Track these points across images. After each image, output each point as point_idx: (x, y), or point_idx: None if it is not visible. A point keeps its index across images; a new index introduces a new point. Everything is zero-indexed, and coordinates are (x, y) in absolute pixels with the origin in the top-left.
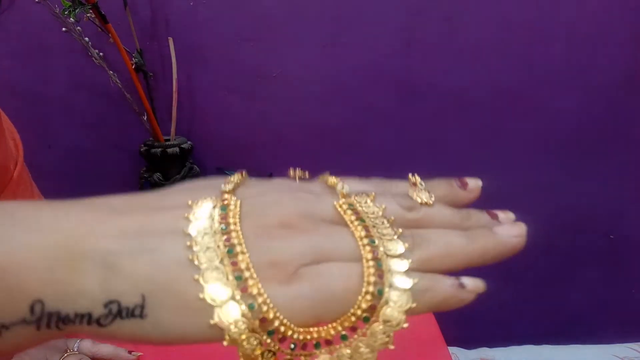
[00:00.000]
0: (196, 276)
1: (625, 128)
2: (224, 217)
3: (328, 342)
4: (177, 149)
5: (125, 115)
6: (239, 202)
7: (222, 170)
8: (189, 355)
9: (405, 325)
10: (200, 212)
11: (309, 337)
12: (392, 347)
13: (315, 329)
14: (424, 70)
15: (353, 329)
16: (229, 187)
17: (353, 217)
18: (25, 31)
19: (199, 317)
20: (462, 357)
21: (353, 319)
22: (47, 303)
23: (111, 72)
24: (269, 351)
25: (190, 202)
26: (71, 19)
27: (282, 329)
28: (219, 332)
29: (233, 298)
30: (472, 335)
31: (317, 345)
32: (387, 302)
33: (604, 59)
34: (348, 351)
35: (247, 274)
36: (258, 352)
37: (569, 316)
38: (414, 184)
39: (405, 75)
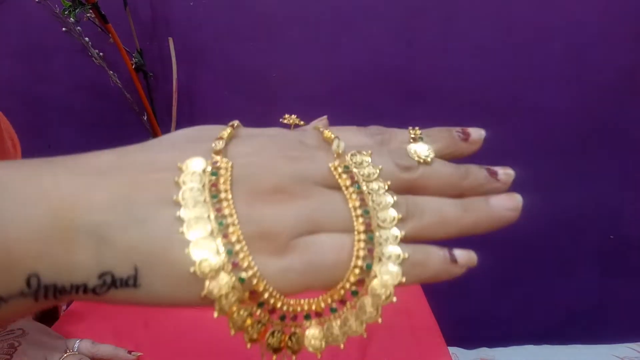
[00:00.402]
0: (186, 250)
1: (625, 128)
2: (214, 184)
3: (318, 314)
4: None
5: (125, 115)
6: (230, 165)
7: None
8: (189, 354)
9: (394, 299)
10: (190, 177)
11: (298, 309)
12: (380, 320)
13: (306, 300)
14: (424, 70)
15: (342, 301)
16: (220, 145)
17: (348, 182)
18: (25, 31)
19: (191, 287)
20: (462, 357)
21: (342, 292)
22: (42, 276)
23: (111, 72)
24: (259, 322)
25: (179, 165)
26: (71, 19)
27: (272, 300)
28: (209, 302)
29: (224, 270)
30: (472, 335)
31: (307, 317)
32: (375, 277)
33: (604, 59)
34: (337, 323)
35: (237, 246)
36: (248, 323)
37: (569, 316)
38: (414, 139)
39: (405, 75)
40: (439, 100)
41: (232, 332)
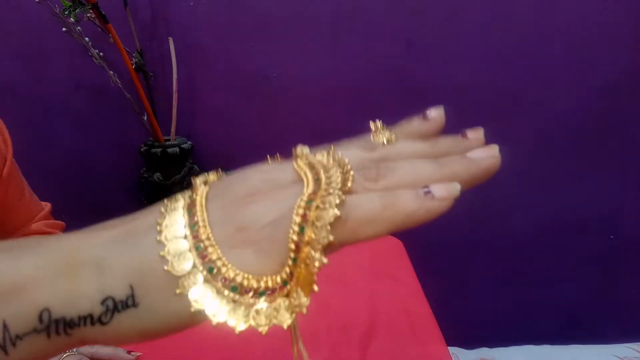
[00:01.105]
0: (161, 253)
1: (625, 128)
2: (192, 203)
3: (273, 290)
4: (177, 149)
5: (125, 115)
6: (205, 191)
7: (223, 170)
8: (189, 354)
9: (325, 260)
10: (173, 205)
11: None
12: (316, 288)
13: (264, 278)
14: (424, 70)
15: (291, 274)
16: (200, 180)
17: (307, 170)
18: (25, 31)
19: (178, 299)
20: (462, 357)
21: (290, 262)
22: (53, 310)
23: (111, 72)
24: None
25: (166, 201)
26: (71, 19)
27: (245, 282)
28: (201, 317)
29: (195, 266)
30: (472, 335)
31: (261, 294)
32: (306, 241)
33: (604, 59)
34: (286, 300)
35: (207, 242)
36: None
37: (569, 316)
38: (376, 130)
39: (405, 75)
40: (439, 100)
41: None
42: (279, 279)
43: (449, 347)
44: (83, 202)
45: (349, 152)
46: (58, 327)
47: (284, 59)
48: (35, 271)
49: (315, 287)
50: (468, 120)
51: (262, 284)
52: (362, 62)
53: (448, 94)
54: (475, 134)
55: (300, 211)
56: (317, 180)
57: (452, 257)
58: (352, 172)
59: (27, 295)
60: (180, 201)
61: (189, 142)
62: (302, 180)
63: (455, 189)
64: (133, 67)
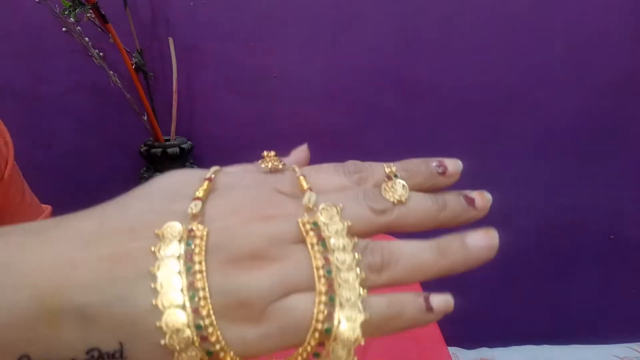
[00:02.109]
0: (158, 323)
1: (625, 128)
2: (189, 255)
3: None
4: (177, 149)
5: (125, 115)
6: (205, 232)
7: None
8: None
9: (355, 359)
10: (166, 248)
11: None
12: None
13: None
14: (424, 70)
15: None
16: (196, 208)
17: (314, 240)
18: (25, 31)
19: (167, 358)
20: (462, 357)
21: (305, 354)
22: (33, 357)
23: (111, 72)
24: None
25: (157, 232)
26: (71, 19)
27: None
28: None
29: (193, 344)
30: (472, 335)
31: None
32: (335, 339)
33: (604, 59)
34: None
35: (207, 321)
36: None
37: (569, 316)
38: (389, 177)
39: (405, 75)
40: (438, 100)
41: None
42: None
43: (449, 347)
44: (83, 202)
45: (361, 210)
46: None
47: (284, 59)
48: (8, 313)
49: None
50: (468, 120)
51: None
52: (362, 62)
53: (448, 93)
54: (484, 202)
55: (319, 326)
56: (325, 259)
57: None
58: (358, 257)
59: (3, 341)
60: (174, 242)
61: (189, 142)
62: (304, 243)
63: (450, 305)
64: (133, 67)
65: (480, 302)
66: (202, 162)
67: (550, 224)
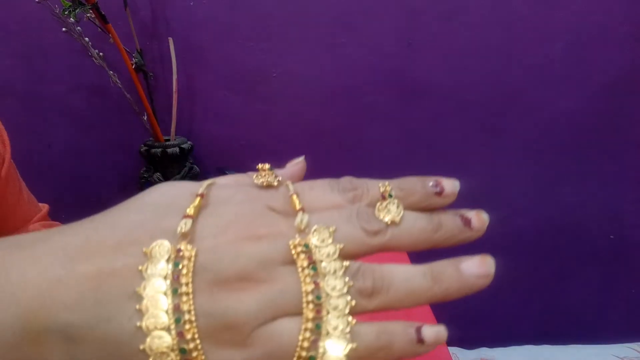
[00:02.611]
0: (142, 346)
1: (625, 128)
2: (177, 277)
3: None
4: (177, 149)
5: (125, 115)
6: (194, 253)
7: (222, 170)
8: None
9: None
10: (153, 267)
11: None
12: None
13: None
14: (424, 70)
15: None
16: (186, 227)
17: (305, 263)
18: (25, 31)
19: None
20: (462, 357)
21: None
22: None
23: (111, 72)
24: None
25: (144, 250)
26: (71, 19)
27: None
28: None
29: None
30: (472, 335)
31: None
32: None
33: (604, 59)
34: None
35: (192, 345)
36: None
37: (569, 316)
38: (384, 197)
39: (405, 75)
40: (438, 99)
41: None
42: None
43: (449, 347)
44: (82, 202)
45: (354, 231)
46: None
47: (284, 59)
48: None
49: None
50: (468, 120)
51: None
52: (362, 62)
53: (448, 94)
54: (480, 222)
55: (304, 354)
56: (315, 284)
57: (452, 257)
58: (349, 283)
59: None
60: (161, 262)
61: (189, 142)
62: (295, 265)
63: (442, 337)
64: (133, 67)
65: (480, 302)
66: (202, 162)
67: (550, 224)
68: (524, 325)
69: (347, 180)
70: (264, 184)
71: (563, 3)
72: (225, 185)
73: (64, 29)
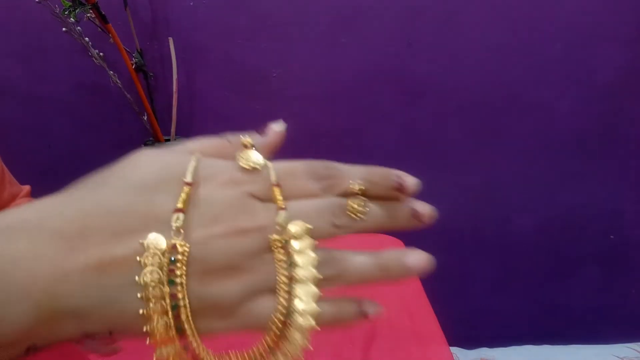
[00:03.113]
0: (145, 328)
1: (625, 128)
2: (172, 270)
3: None
4: None
5: (125, 115)
6: (187, 248)
7: None
8: None
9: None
10: (151, 259)
11: None
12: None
13: (233, 352)
14: (424, 70)
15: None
16: (179, 222)
17: (281, 256)
18: (25, 31)
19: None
20: (462, 357)
21: (268, 339)
22: (39, 344)
23: (111, 72)
24: None
25: (141, 242)
26: (71, 19)
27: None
28: None
29: (172, 343)
30: (472, 335)
31: None
32: (288, 341)
33: (604, 59)
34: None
35: (186, 325)
36: None
37: (569, 316)
38: (354, 193)
39: (405, 75)
40: (438, 100)
41: None
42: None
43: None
44: None
45: (324, 224)
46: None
47: (284, 59)
48: (12, 326)
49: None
50: (468, 120)
51: None
52: (362, 62)
53: (448, 93)
54: (426, 217)
55: (278, 316)
56: (286, 277)
57: (453, 257)
58: (316, 274)
59: (13, 339)
60: (158, 255)
61: None
62: (273, 253)
63: (380, 314)
64: (133, 67)
65: (480, 302)
66: None
67: (550, 224)
68: (524, 325)
69: (323, 167)
70: (247, 167)
71: (563, 3)
72: (210, 166)
73: (64, 29)
